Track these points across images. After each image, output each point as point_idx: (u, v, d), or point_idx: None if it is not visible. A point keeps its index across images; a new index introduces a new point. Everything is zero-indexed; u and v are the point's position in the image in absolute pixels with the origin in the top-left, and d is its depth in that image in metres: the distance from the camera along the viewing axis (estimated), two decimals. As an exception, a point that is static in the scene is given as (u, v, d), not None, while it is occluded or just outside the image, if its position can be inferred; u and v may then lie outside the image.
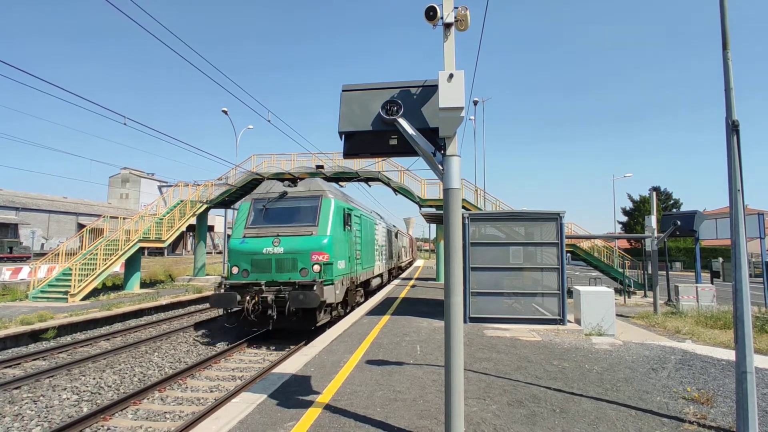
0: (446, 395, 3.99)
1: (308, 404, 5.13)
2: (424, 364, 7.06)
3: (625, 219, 60.32)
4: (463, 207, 23.59)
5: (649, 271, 22.63)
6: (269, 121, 13.79)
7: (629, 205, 60.61)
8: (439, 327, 10.25)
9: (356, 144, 4.73)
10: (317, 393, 5.53)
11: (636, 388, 6.13)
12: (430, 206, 24.73)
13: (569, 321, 10.91)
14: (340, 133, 4.65)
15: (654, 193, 15.54)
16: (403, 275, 30.73)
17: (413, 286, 21.43)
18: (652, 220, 14.91)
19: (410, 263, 49.33)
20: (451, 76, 3.97)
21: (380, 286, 20.79)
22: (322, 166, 19.72)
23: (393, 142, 4.68)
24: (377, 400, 5.32)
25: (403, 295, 17.30)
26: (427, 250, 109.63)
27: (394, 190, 24.69)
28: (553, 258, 11.30)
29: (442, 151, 4.27)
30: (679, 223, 14.28)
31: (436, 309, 13.37)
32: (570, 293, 12.50)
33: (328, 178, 23.55)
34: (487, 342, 8.75)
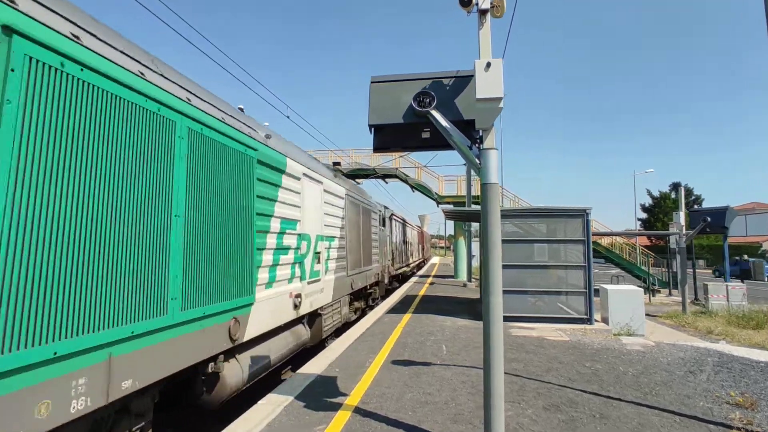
0: (486, 400, 3.80)
1: (337, 407, 4.98)
2: (452, 364, 6.86)
3: (644, 216, 59.05)
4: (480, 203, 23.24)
5: (674, 269, 22.05)
6: (288, 117, 13.71)
7: (648, 201, 59.31)
8: (463, 326, 10.04)
9: (386, 137, 4.55)
10: (345, 395, 5.38)
11: (676, 392, 5.86)
12: (448, 203, 24.45)
13: (596, 320, 10.61)
14: (370, 126, 4.48)
15: (681, 188, 15.02)
16: (421, 272, 30.45)
17: (431, 283, 21.20)
18: (680, 217, 14.45)
19: (422, 263, 40.90)
20: (488, 65, 3.76)
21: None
22: (338, 163, 19.53)
23: (425, 135, 4.49)
24: (407, 402, 5.15)
25: (422, 293, 17.10)
26: (442, 247, 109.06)
27: (412, 187, 24.45)
28: (579, 255, 11.00)
29: (478, 144, 4.09)
30: (709, 219, 13.81)
31: (457, 307, 13.14)
32: (596, 292, 12.18)
33: (346, 175, 23.41)
34: (514, 342, 8.51)
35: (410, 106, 4.29)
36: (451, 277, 24.93)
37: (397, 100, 4.38)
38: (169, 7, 7.67)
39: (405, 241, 24.42)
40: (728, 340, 10.39)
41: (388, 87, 4.47)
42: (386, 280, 16.51)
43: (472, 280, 20.94)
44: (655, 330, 11.30)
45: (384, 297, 15.85)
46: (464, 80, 4.38)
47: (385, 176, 24.37)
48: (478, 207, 22.55)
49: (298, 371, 6.42)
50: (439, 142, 4.45)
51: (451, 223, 30.82)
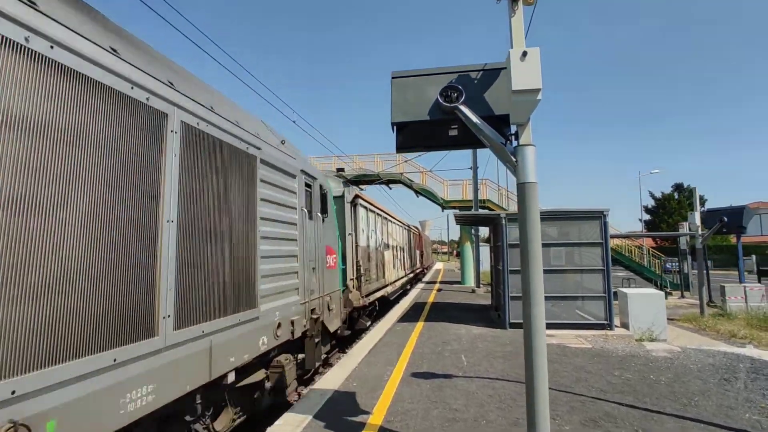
0: (529, 419, 3.47)
1: (360, 427, 4.63)
2: (474, 376, 6.51)
3: (648, 217, 58.64)
4: (488, 207, 22.94)
5: (686, 271, 21.70)
6: (294, 122, 13.44)
7: (651, 203, 58.94)
8: (479, 334, 9.68)
9: (410, 136, 4.24)
10: (367, 413, 5.03)
11: (716, 402, 5.50)
12: (453, 207, 24.15)
13: (616, 326, 10.25)
14: (392, 124, 4.17)
15: (695, 189, 14.72)
16: (426, 278, 30.04)
17: (439, 290, 20.82)
18: (696, 217, 14.12)
19: (421, 273, 31.61)
20: (524, 54, 3.46)
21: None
22: (342, 169, 19.28)
23: (453, 132, 4.18)
24: (435, 420, 4.80)
25: (431, 299, 16.73)
26: (445, 253, 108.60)
27: (416, 192, 24.16)
28: (596, 259, 10.66)
29: (511, 141, 3.79)
30: (725, 219, 13.48)
31: (469, 315, 12.78)
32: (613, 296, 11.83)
33: (349, 181, 23.11)
34: (535, 350, 8.15)
35: (436, 102, 3.99)
36: (458, 282, 24.55)
37: (422, 95, 4.08)
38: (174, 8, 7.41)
39: (388, 246, 16.14)
40: (755, 344, 10.03)
41: (411, 82, 4.17)
42: (337, 324, 8.41)
43: (481, 285, 20.57)
44: (676, 334, 10.94)
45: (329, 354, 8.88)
46: (493, 73, 4.08)
47: (389, 182, 24.09)
48: (484, 211, 22.31)
49: (313, 386, 6.08)
50: (467, 139, 4.14)
51: (454, 228, 30.41)
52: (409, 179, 23.73)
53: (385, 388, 5.90)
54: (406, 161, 22.65)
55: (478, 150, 20.70)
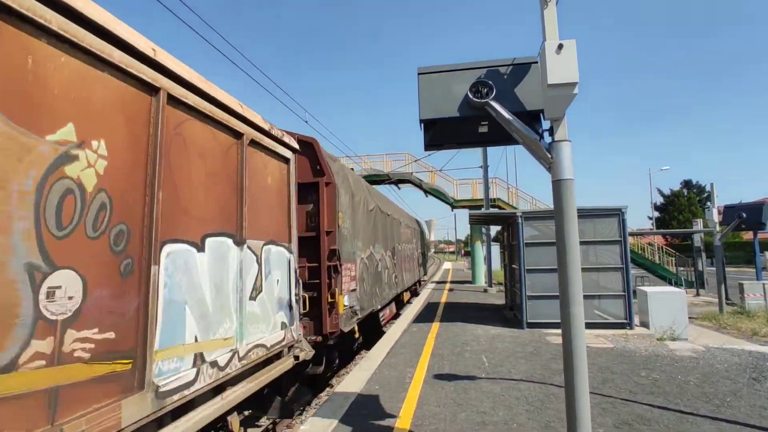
0: (569, 422, 3.36)
1: (388, 431, 4.54)
2: (498, 377, 6.40)
3: (657, 215, 58.10)
4: (497, 206, 22.79)
5: (700, 268, 21.41)
6: (306, 122, 13.43)
7: (659, 200, 58.42)
8: (497, 334, 9.56)
9: (439, 133, 4.15)
10: (393, 416, 4.94)
11: (750, 402, 5.36)
12: (463, 207, 24.02)
13: (636, 325, 10.09)
14: (421, 121, 4.07)
15: (713, 184, 14.48)
16: (436, 278, 29.89)
17: (451, 290, 20.69)
18: (713, 213, 13.88)
19: (414, 288, 20.04)
20: (560, 46, 3.36)
21: None
22: (351, 169, 19.22)
23: (483, 129, 4.09)
24: (464, 424, 4.70)
25: (444, 300, 16.61)
26: (452, 252, 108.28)
27: (425, 192, 24.05)
28: (614, 257, 10.51)
29: (543, 137, 3.68)
30: (744, 215, 13.25)
31: (485, 314, 12.66)
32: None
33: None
34: (555, 350, 8.03)
35: (465, 98, 3.89)
36: (469, 282, 24.39)
37: (450, 91, 3.98)
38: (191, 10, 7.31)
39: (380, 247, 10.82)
40: (779, 343, 9.81)
41: (439, 78, 4.07)
42: None
43: (493, 285, 20.41)
44: (697, 333, 10.75)
45: None
46: (523, 68, 3.98)
47: (399, 181, 23.99)
48: (495, 210, 22.16)
49: (336, 390, 6.00)
50: (498, 136, 4.04)
51: (462, 229, 30.25)
52: (418, 179, 23.63)
53: (409, 391, 5.81)
54: (415, 161, 22.54)
55: (488, 148, 20.58)
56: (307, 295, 6.44)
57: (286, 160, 5.60)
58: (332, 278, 6.82)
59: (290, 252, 5.53)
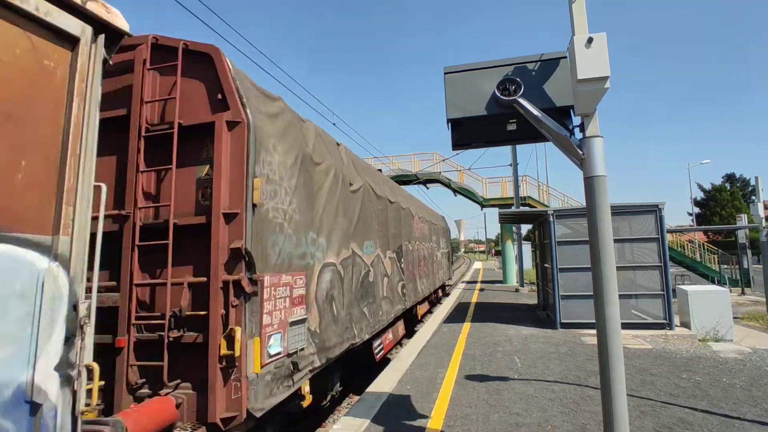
0: (606, 424, 3.28)
1: (420, 431, 4.54)
2: (531, 379, 6.29)
3: (698, 210, 55.70)
4: (528, 204, 22.40)
5: (744, 266, 20.47)
6: (334, 124, 13.53)
7: (700, 195, 56.02)
8: (529, 335, 9.40)
9: (467, 132, 4.13)
10: (425, 416, 4.94)
11: (802, 407, 5.09)
12: (493, 206, 23.71)
13: (676, 325, 9.72)
14: (448, 121, 4.06)
15: (758, 178, 13.80)
16: (467, 278, 29.63)
17: (481, 290, 20.48)
18: (759, 208, 13.26)
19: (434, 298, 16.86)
20: (590, 40, 3.29)
21: None
22: (380, 170, 19.29)
23: (512, 127, 4.04)
24: (496, 425, 4.65)
25: (474, 300, 16.46)
26: (483, 252, 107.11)
27: (454, 191, 23.87)
28: (651, 255, 10.16)
29: (573, 133, 3.61)
30: (794, 209, 12.60)
31: (516, 314, 12.47)
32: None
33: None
34: (591, 351, 7.83)
35: (493, 96, 3.86)
36: (500, 282, 24.07)
37: (477, 90, 3.95)
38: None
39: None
40: (834, 344, 9.27)
41: (465, 77, 4.05)
42: None
43: (525, 285, 20.07)
44: (742, 334, 10.27)
45: None
46: (552, 63, 3.91)
47: (427, 181, 23.90)
48: (526, 208, 21.78)
49: (368, 390, 6.03)
50: (527, 134, 3.99)
51: (492, 228, 29.82)
52: (447, 178, 23.48)
53: (440, 392, 5.79)
54: (443, 160, 22.42)
55: (517, 146, 20.26)
56: (191, 338, 3.58)
57: (69, 41, 2.11)
58: (236, 306, 3.59)
59: (51, 257, 2.01)
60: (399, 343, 10.35)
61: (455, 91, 4.04)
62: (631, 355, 7.52)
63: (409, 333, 11.40)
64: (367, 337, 6.60)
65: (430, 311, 13.94)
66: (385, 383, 6.25)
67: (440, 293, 18.43)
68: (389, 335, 8.76)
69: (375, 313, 7.13)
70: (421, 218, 13.17)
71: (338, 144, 6.52)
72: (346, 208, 6.11)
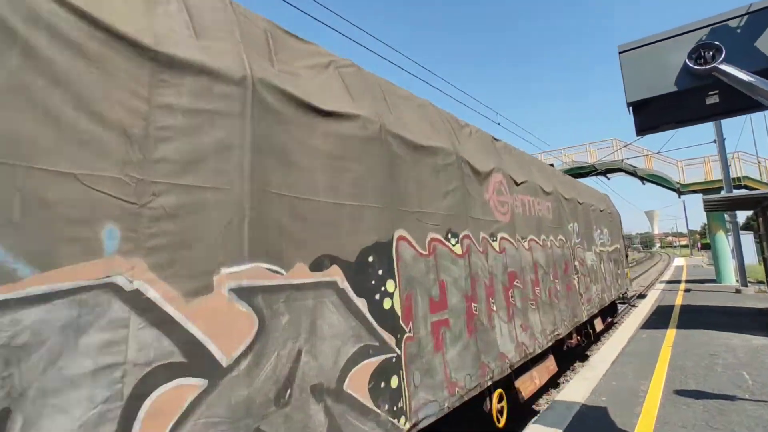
0: None
1: (622, 448, 4.13)
2: (768, 399, 5.15)
3: None
4: (745, 186, 18.56)
5: None
6: (498, 123, 13.28)
7: None
8: (761, 345, 7.69)
9: (653, 114, 3.66)
10: (627, 432, 4.46)
11: None
12: (694, 191, 20.17)
13: None
14: (629, 105, 3.66)
15: None
16: (666, 277, 25.67)
17: (687, 290, 17.47)
18: None
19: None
20: (820, -24, 2.63)
21: None
22: (552, 165, 18.12)
23: (712, 100, 3.44)
24: (723, 451, 3.94)
25: (678, 302, 14.16)
26: (685, 246, 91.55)
27: (642, 179, 21.00)
28: None
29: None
30: None
31: (739, 320, 10.33)
32: None
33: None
34: None
35: (684, 67, 3.35)
36: (712, 281, 20.18)
37: (663, 64, 3.48)
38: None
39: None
40: None
41: (647, 52, 3.60)
42: None
43: (749, 284, 16.49)
44: None
45: None
46: (764, 14, 3.22)
47: (608, 171, 21.52)
48: (742, 191, 17.94)
49: (556, 398, 5.72)
50: (734, 105, 3.36)
51: (696, 217, 25.15)
52: (631, 165, 20.79)
53: (644, 407, 5.15)
54: (625, 146, 19.93)
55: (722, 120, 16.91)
56: None
57: None
58: None
59: None
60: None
61: (635, 70, 3.63)
62: None
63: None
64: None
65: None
66: (575, 392, 5.84)
67: (614, 316, 13.29)
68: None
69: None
70: (563, 197, 8.79)
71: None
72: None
